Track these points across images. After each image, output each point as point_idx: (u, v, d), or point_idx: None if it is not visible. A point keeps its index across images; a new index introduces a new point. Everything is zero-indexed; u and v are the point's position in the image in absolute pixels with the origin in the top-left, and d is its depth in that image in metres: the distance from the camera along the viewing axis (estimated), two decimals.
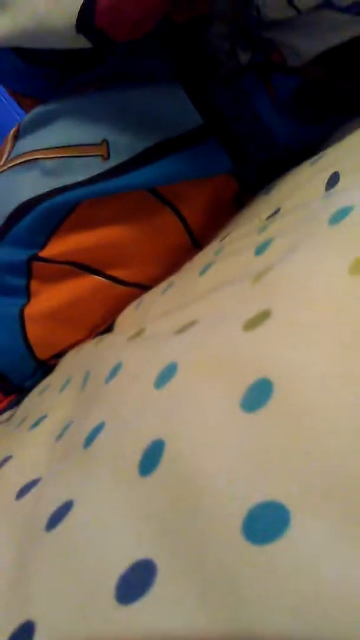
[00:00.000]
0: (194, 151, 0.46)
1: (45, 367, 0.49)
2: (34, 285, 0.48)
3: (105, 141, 0.47)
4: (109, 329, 0.48)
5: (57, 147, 0.48)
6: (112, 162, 0.46)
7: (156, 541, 0.16)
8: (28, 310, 0.48)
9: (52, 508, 0.20)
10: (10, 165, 0.51)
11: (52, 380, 0.42)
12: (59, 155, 0.48)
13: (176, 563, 0.15)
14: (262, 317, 0.21)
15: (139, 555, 0.16)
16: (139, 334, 0.31)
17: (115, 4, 0.38)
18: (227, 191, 0.50)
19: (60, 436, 0.28)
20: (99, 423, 0.24)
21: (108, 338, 0.37)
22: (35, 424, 0.33)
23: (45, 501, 0.21)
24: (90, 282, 0.48)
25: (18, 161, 0.50)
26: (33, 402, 0.41)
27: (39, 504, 0.21)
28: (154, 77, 0.47)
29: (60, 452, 0.26)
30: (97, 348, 0.36)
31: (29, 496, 0.23)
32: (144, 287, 0.48)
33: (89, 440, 0.23)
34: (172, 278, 0.42)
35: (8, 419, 0.42)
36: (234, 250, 0.35)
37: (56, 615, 0.16)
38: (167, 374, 0.22)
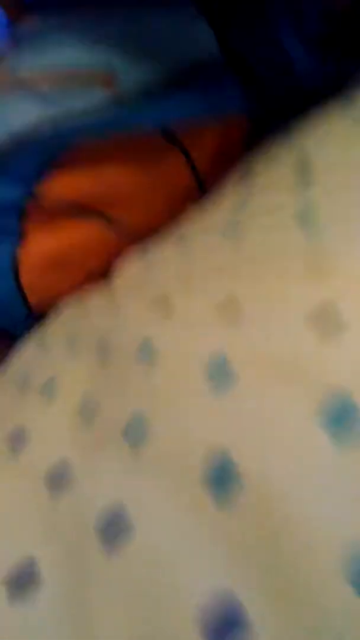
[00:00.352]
0: (209, 86, 0.42)
1: (37, 315, 0.46)
2: (28, 226, 0.44)
3: (112, 67, 0.42)
4: (106, 276, 0.45)
5: (56, 70, 0.43)
6: (120, 92, 0.42)
7: (238, 574, 0.15)
8: (22, 253, 0.44)
9: (100, 512, 0.19)
10: (2, 84, 0.45)
11: (50, 334, 0.40)
12: (58, 80, 0.43)
13: (265, 601, 0.14)
14: (329, 316, 0.19)
15: (220, 585, 0.15)
16: (163, 302, 0.29)
17: None
18: (238, 131, 0.46)
19: (83, 414, 0.26)
20: (139, 414, 0.22)
21: (121, 299, 0.34)
22: (45, 389, 0.31)
23: (89, 501, 0.20)
24: (89, 224, 0.44)
25: (11, 81, 0.45)
26: (31, 356, 0.39)
27: (81, 503, 0.20)
28: (171, 3, 0.42)
29: (90, 438, 0.24)
30: (110, 310, 0.33)
31: (62, 489, 0.22)
32: (145, 234, 0.45)
33: (132, 434, 0.21)
34: (182, 231, 0.39)
35: (3, 372, 0.40)
36: (262, 208, 0.33)
37: None
38: (219, 371, 0.20)
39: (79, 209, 0.44)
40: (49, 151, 0.43)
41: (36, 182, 0.43)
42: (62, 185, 0.43)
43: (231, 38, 0.41)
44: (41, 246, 0.44)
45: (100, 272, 0.45)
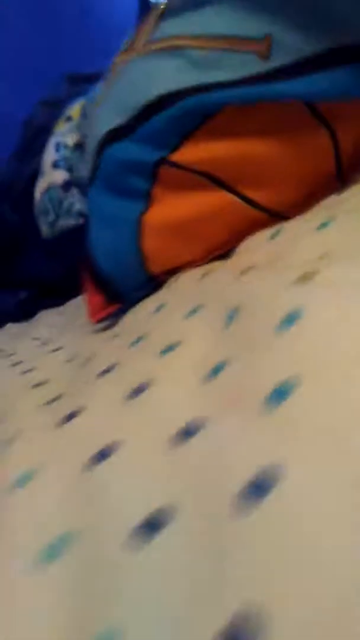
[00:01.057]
0: None
1: (153, 282, 0.45)
2: (157, 191, 0.44)
3: (269, 37, 0.40)
4: (226, 254, 0.44)
5: (210, 36, 0.42)
6: (274, 63, 0.40)
7: None
8: (148, 218, 0.44)
9: (248, 475, 0.17)
10: (152, 48, 0.45)
11: (169, 300, 0.39)
12: (212, 46, 0.41)
13: None
14: None
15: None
16: (308, 277, 0.27)
17: None
18: None
19: (210, 377, 0.25)
20: (287, 380, 0.20)
21: (254, 272, 0.33)
22: (168, 350, 0.30)
23: (233, 463, 0.18)
24: (220, 197, 0.43)
25: (161, 45, 0.44)
26: (148, 319, 0.38)
27: (222, 463, 0.18)
28: None
29: (222, 399, 0.22)
30: (242, 281, 0.31)
31: (195, 446, 0.20)
32: (277, 215, 0.43)
33: (278, 399, 0.19)
34: (324, 212, 0.37)
35: (117, 334, 0.40)
36: None
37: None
38: None
39: (210, 181, 0.43)
40: (190, 119, 0.42)
41: (173, 149, 0.42)
42: (198, 155, 0.42)
43: None
44: (167, 213, 0.43)
45: (221, 246, 0.44)
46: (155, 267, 0.44)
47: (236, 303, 0.29)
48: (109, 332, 0.41)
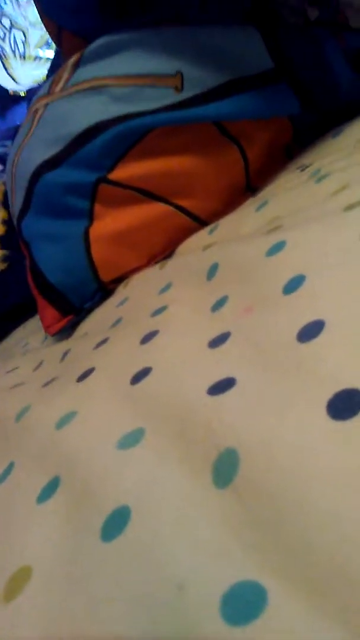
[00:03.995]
0: (264, 91, 0.48)
1: (103, 291, 0.49)
2: (97, 208, 0.48)
3: (179, 73, 0.48)
4: (168, 257, 0.49)
5: (128, 75, 0.49)
6: (186, 94, 0.48)
7: None
8: (93, 231, 0.48)
9: None
10: (73, 90, 0.50)
11: (130, 295, 0.43)
12: (131, 83, 0.48)
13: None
14: None
15: None
16: (277, 228, 0.33)
17: None
18: (283, 137, 0.52)
19: (214, 310, 0.29)
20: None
21: (220, 243, 0.38)
22: (160, 311, 0.33)
23: None
24: (155, 209, 0.48)
25: (82, 86, 0.50)
26: (117, 310, 0.41)
27: None
28: (228, 19, 0.49)
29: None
30: (215, 247, 0.36)
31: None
32: (203, 223, 0.50)
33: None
34: (255, 202, 0.44)
35: (86, 332, 0.42)
36: None
37: None
38: None
39: (145, 195, 0.48)
40: (121, 143, 0.47)
41: (109, 169, 0.48)
42: (131, 173, 0.48)
43: (282, 52, 0.49)
44: (110, 225, 0.48)
45: (162, 251, 0.49)
46: (106, 275, 0.48)
47: (215, 260, 0.33)
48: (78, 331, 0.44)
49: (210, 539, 0.15)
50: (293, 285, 0.25)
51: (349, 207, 0.29)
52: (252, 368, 0.21)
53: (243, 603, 0.13)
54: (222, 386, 0.21)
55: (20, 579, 0.18)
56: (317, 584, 0.13)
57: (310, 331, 0.21)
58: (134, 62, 0.49)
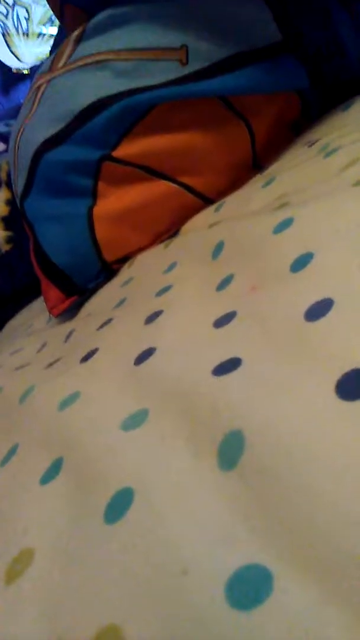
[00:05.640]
0: (272, 64, 0.47)
1: (107, 271, 0.48)
2: (101, 186, 0.47)
3: (185, 46, 0.47)
4: (173, 236, 0.48)
5: (131, 49, 0.47)
6: (191, 68, 0.46)
7: None
8: (97, 211, 0.47)
9: None
10: (75, 66, 0.49)
11: (135, 274, 0.42)
12: (134, 57, 0.47)
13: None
14: None
15: None
16: (285, 204, 0.32)
17: None
18: (291, 112, 0.51)
19: (220, 289, 0.28)
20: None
21: (227, 221, 0.37)
22: (165, 290, 0.33)
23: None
24: (160, 187, 0.47)
25: (84, 62, 0.49)
26: (122, 289, 0.40)
27: None
28: None
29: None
30: (223, 224, 0.36)
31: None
32: (209, 200, 0.49)
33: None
34: (262, 179, 0.43)
35: (90, 313, 0.42)
36: None
37: None
38: None
39: (149, 172, 0.47)
40: (125, 119, 0.46)
41: (113, 147, 0.47)
42: (136, 150, 0.47)
43: (290, 24, 0.47)
44: (114, 204, 0.47)
45: (166, 230, 0.48)
46: (110, 255, 0.47)
47: (221, 238, 0.33)
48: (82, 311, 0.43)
49: (215, 522, 0.15)
50: (301, 263, 0.24)
51: (357, 183, 0.28)
52: (258, 348, 0.21)
53: (248, 587, 0.13)
54: (227, 366, 0.21)
55: (22, 561, 0.17)
56: (324, 567, 0.12)
57: (318, 310, 0.20)
58: (137, 35, 0.48)
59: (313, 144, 0.42)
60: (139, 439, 0.20)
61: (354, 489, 0.13)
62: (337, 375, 0.16)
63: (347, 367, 0.17)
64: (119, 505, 0.17)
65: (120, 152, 0.47)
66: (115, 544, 0.16)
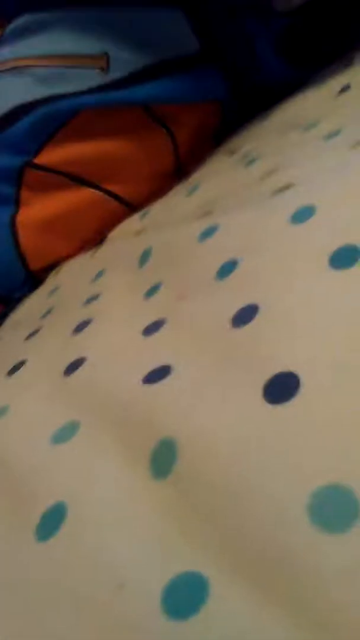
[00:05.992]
0: (192, 74, 0.48)
1: (33, 280, 0.47)
2: (24, 194, 0.46)
3: (105, 54, 0.46)
4: (100, 243, 0.48)
5: (51, 56, 0.47)
6: (113, 76, 0.46)
7: None
8: (20, 219, 0.46)
9: None
10: None
11: (62, 282, 0.41)
12: (55, 64, 0.47)
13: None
14: None
15: None
16: (208, 213, 0.33)
17: None
18: (212, 121, 0.52)
19: (148, 296, 0.29)
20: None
21: (154, 228, 0.37)
22: (92, 299, 0.33)
23: None
24: (84, 194, 0.47)
25: (3, 67, 0.48)
26: (47, 300, 0.40)
27: None
28: (158, 3, 0.48)
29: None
30: (149, 232, 0.36)
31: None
32: (134, 208, 0.49)
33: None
34: (187, 185, 0.43)
35: (14, 326, 0.41)
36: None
37: None
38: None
39: (73, 180, 0.47)
40: (46, 125, 0.46)
41: (35, 153, 0.46)
42: (58, 157, 0.46)
43: (209, 36, 0.48)
44: (38, 212, 0.46)
45: (92, 238, 0.48)
46: (35, 264, 0.46)
47: (147, 246, 0.33)
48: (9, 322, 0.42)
49: (149, 532, 0.15)
50: (226, 270, 0.25)
51: (277, 191, 0.29)
52: (187, 355, 0.21)
53: (184, 595, 0.13)
54: (157, 374, 0.21)
55: None
56: (259, 572, 0.13)
57: (244, 316, 0.21)
58: (57, 41, 0.47)
59: (234, 152, 0.43)
60: (70, 452, 0.20)
61: (284, 489, 0.14)
62: (264, 379, 0.17)
63: (274, 371, 0.17)
64: (52, 521, 0.17)
65: (42, 158, 0.46)
66: (50, 562, 0.16)
